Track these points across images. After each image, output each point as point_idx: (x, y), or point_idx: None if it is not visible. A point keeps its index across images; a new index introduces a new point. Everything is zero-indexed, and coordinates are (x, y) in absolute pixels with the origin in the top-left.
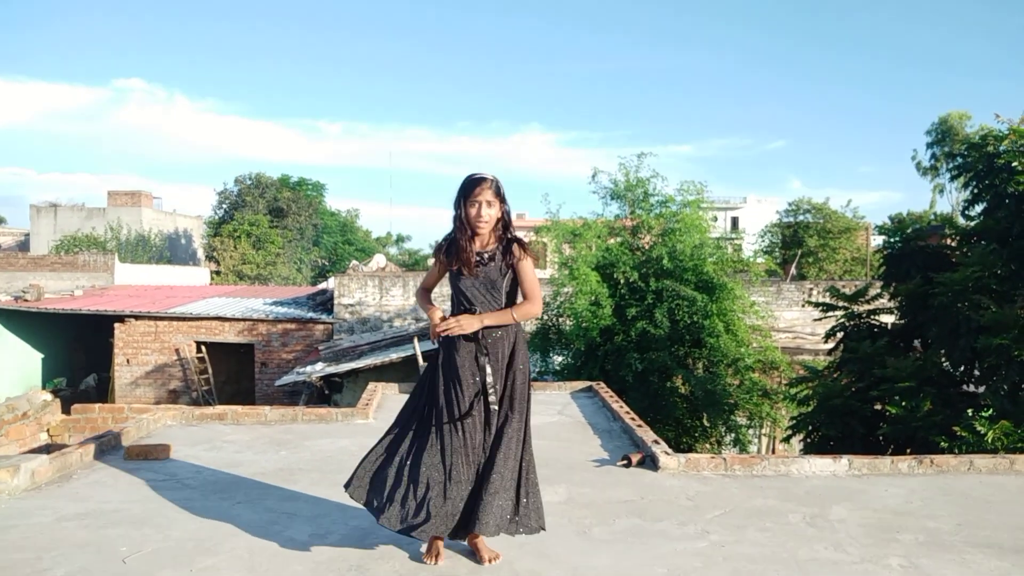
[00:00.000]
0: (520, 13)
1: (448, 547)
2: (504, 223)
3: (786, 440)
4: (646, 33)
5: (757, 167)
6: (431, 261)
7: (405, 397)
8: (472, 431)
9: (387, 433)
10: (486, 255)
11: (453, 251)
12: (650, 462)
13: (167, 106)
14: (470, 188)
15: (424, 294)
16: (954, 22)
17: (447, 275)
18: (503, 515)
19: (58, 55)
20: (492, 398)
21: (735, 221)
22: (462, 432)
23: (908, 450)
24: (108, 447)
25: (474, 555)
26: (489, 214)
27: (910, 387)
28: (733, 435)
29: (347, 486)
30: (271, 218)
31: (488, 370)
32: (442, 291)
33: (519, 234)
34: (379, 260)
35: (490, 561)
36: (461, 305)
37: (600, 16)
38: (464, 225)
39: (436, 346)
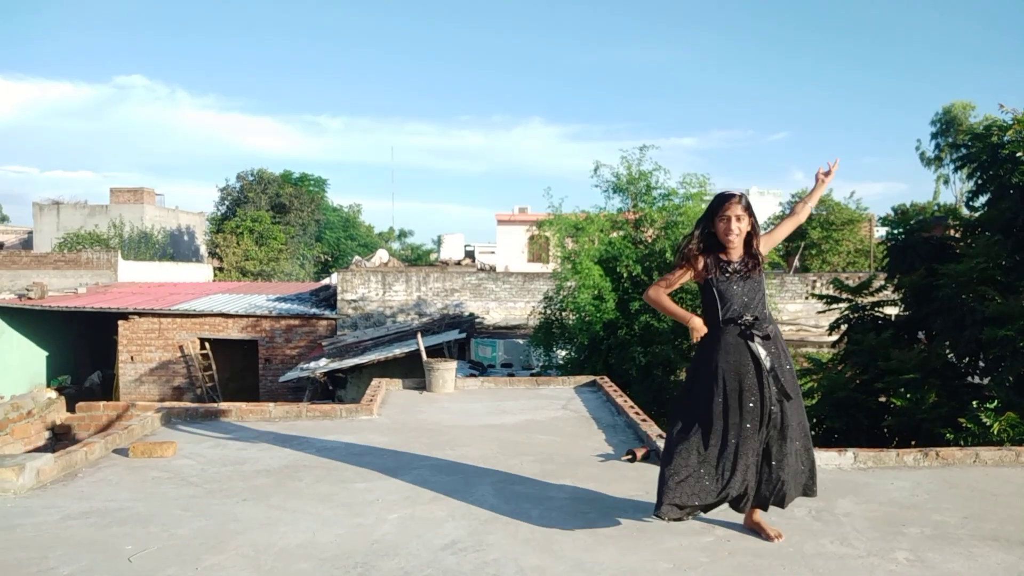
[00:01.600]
0: (521, 6)
1: (446, 539)
2: (753, 234)
3: None
4: (648, 25)
5: (759, 159)
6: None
7: (409, 392)
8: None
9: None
10: (748, 263)
11: (712, 260)
12: (655, 456)
13: (168, 103)
14: (720, 203)
15: (664, 293)
16: (958, 11)
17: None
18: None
19: (59, 53)
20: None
21: None
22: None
23: (913, 442)
24: (113, 445)
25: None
26: (740, 230)
27: (915, 379)
28: None
29: (658, 510)
30: (273, 214)
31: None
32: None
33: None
34: (382, 255)
35: (778, 537)
36: (730, 315)
37: (602, 9)
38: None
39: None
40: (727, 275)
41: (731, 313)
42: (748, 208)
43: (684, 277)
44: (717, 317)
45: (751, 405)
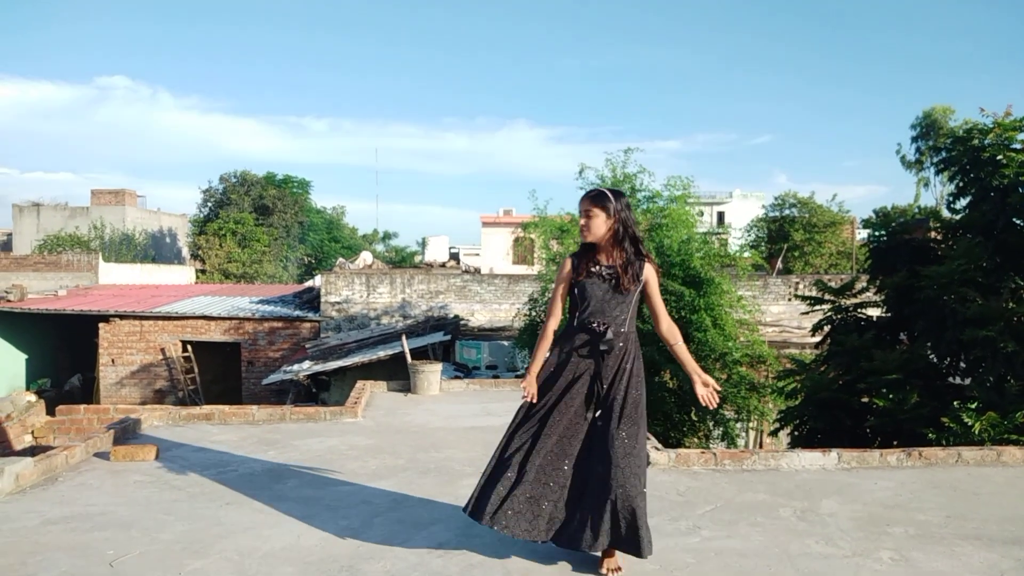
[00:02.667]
0: (507, 9)
1: (445, 544)
2: (622, 236)
3: (774, 434)
4: (632, 29)
5: (743, 162)
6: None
7: (394, 394)
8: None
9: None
10: (615, 271)
11: (579, 259)
12: None
13: (151, 104)
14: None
15: (549, 328)
16: (937, 18)
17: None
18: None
19: (40, 53)
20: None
21: (721, 216)
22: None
23: (895, 442)
24: (94, 449)
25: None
26: (589, 226)
27: (897, 380)
28: (721, 429)
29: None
30: (256, 216)
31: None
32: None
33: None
34: (366, 257)
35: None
36: (584, 317)
37: (587, 12)
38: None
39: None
40: (591, 276)
41: (586, 316)
42: (599, 203)
43: (564, 288)
44: (574, 318)
45: (574, 414)
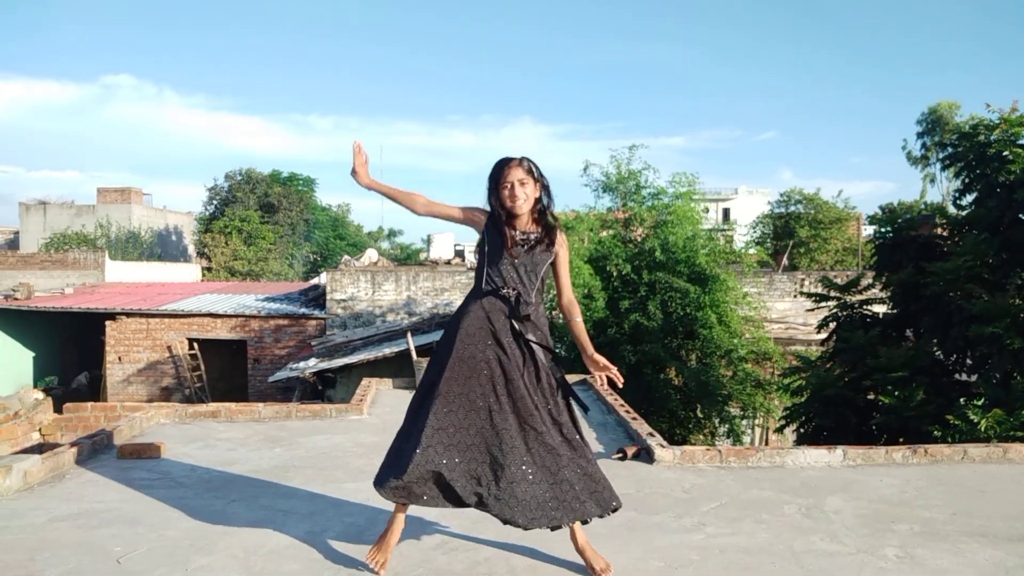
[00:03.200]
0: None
1: (446, 540)
2: (544, 204)
3: (779, 431)
4: (637, 25)
5: (748, 158)
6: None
7: (399, 392)
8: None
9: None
10: (532, 237)
11: (493, 230)
12: (645, 455)
13: (156, 102)
14: (499, 171)
15: (414, 198)
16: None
17: (481, 241)
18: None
19: (46, 52)
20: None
21: (727, 212)
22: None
23: (901, 440)
24: (101, 446)
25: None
26: (524, 195)
27: (903, 377)
28: (727, 426)
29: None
30: (262, 214)
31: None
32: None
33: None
34: (371, 255)
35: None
36: (493, 284)
37: (591, 9)
38: (500, 209)
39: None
40: (506, 241)
41: (496, 282)
42: (532, 172)
43: (455, 213)
44: (482, 281)
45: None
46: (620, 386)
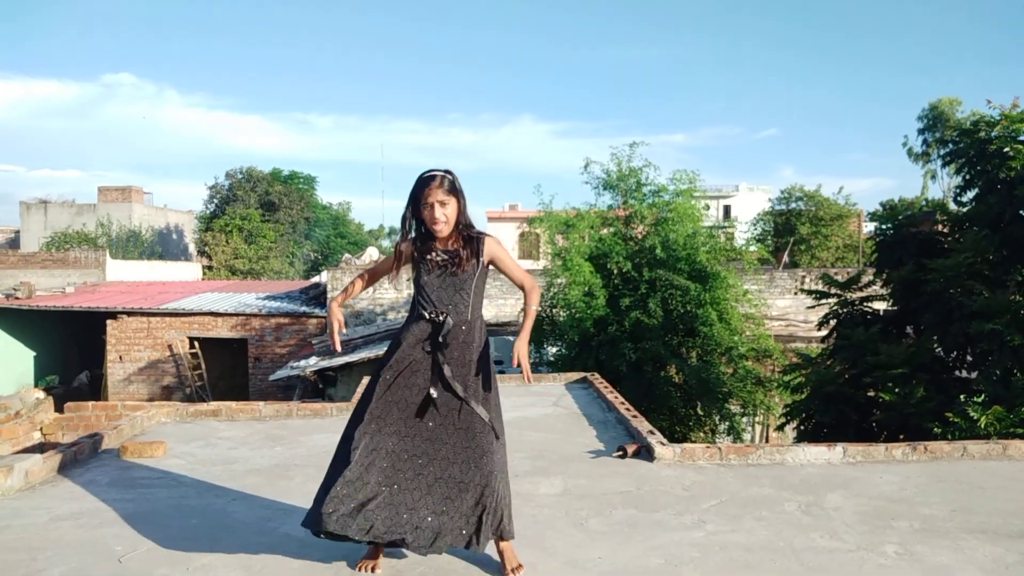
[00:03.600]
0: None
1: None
2: (465, 222)
3: (780, 428)
4: (638, 22)
5: (749, 155)
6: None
7: None
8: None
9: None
10: (456, 256)
11: (418, 248)
12: (646, 453)
13: (156, 101)
14: (419, 189)
15: (363, 281)
16: (944, 8)
17: (409, 268)
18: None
19: (46, 51)
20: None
21: (727, 210)
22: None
23: (901, 436)
24: (102, 445)
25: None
26: (444, 216)
27: (903, 373)
28: (727, 423)
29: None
30: (262, 212)
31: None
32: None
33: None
34: (372, 253)
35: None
36: (422, 307)
37: (591, 7)
38: (420, 227)
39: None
40: (427, 264)
41: (424, 306)
42: (453, 190)
43: (388, 263)
44: (414, 308)
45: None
46: (529, 382)
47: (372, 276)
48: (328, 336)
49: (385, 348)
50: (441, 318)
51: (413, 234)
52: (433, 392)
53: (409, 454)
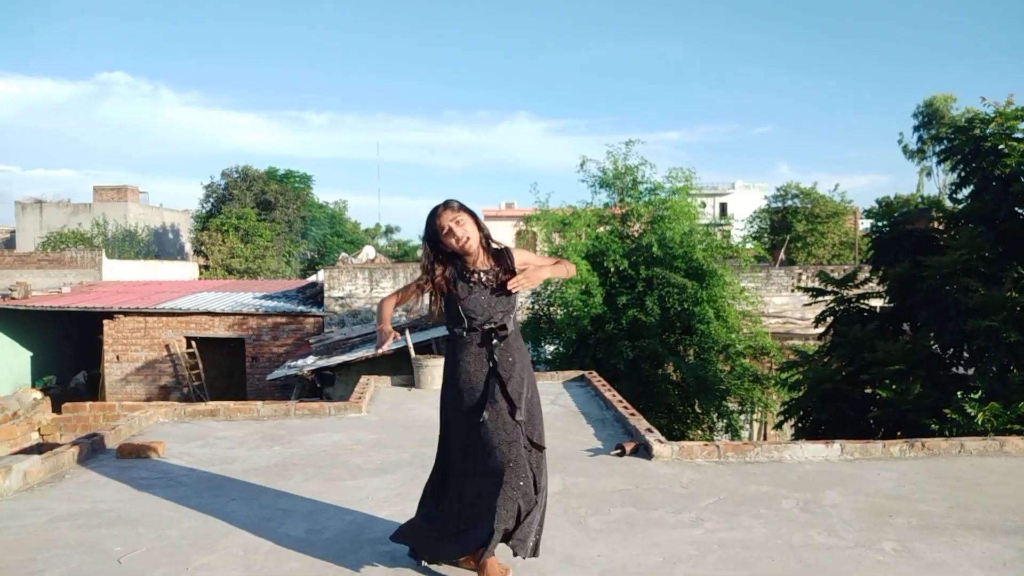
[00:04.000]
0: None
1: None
2: (487, 238)
3: (778, 426)
4: (633, 20)
5: (745, 152)
6: (418, 279)
7: (398, 389)
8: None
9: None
10: (491, 273)
11: (453, 274)
12: (644, 450)
13: (152, 100)
14: (431, 222)
15: (390, 303)
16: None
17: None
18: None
19: (41, 50)
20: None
21: (724, 207)
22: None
23: (899, 433)
24: (100, 446)
25: None
26: (466, 232)
27: (900, 370)
28: (725, 421)
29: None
30: (259, 211)
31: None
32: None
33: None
34: (368, 252)
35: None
36: (471, 327)
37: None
38: (450, 253)
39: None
40: (470, 284)
41: (475, 324)
42: (463, 208)
43: (419, 295)
44: (462, 326)
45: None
46: (513, 288)
47: (402, 299)
48: (379, 337)
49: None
50: (490, 329)
51: (439, 272)
52: (485, 414)
53: (475, 462)
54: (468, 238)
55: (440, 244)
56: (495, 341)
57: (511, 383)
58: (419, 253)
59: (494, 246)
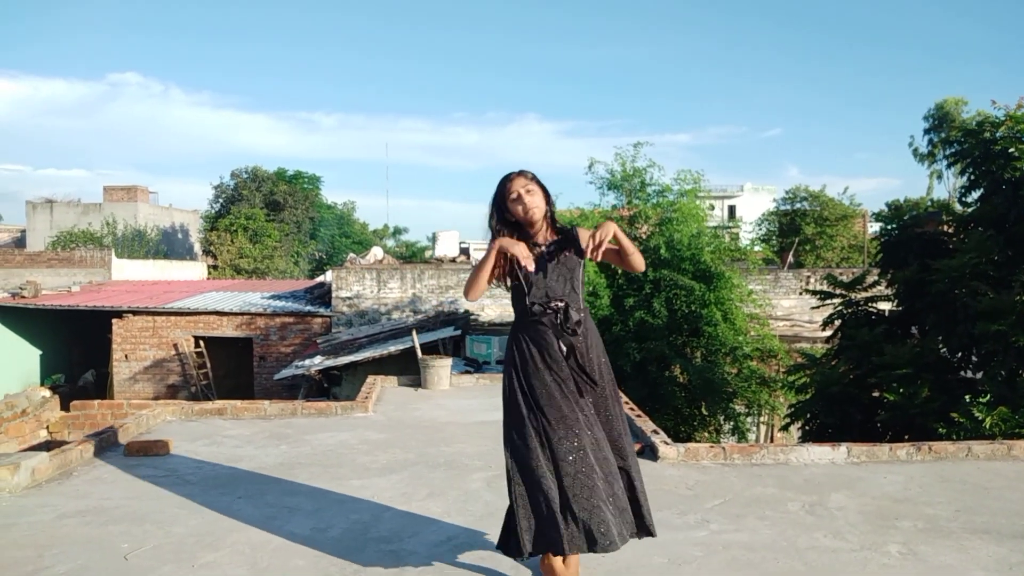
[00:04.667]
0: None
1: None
2: (553, 211)
3: (785, 428)
4: (643, 22)
5: (754, 155)
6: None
7: (404, 389)
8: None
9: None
10: (555, 246)
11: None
12: (649, 452)
13: (162, 100)
14: (503, 186)
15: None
16: (950, 9)
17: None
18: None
19: (53, 51)
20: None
21: (732, 210)
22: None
23: (906, 437)
24: (108, 444)
25: None
26: (535, 201)
27: (908, 374)
28: (732, 423)
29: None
30: (268, 212)
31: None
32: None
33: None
34: (376, 252)
35: None
36: (541, 303)
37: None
38: (514, 223)
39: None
40: (538, 259)
41: (544, 300)
42: (536, 180)
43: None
44: (523, 303)
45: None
46: (591, 256)
47: (485, 270)
48: (520, 260)
49: (388, 348)
50: (562, 307)
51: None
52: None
53: (584, 449)
54: (536, 207)
55: (505, 212)
56: (569, 327)
57: (588, 369)
58: (488, 219)
59: (560, 225)
